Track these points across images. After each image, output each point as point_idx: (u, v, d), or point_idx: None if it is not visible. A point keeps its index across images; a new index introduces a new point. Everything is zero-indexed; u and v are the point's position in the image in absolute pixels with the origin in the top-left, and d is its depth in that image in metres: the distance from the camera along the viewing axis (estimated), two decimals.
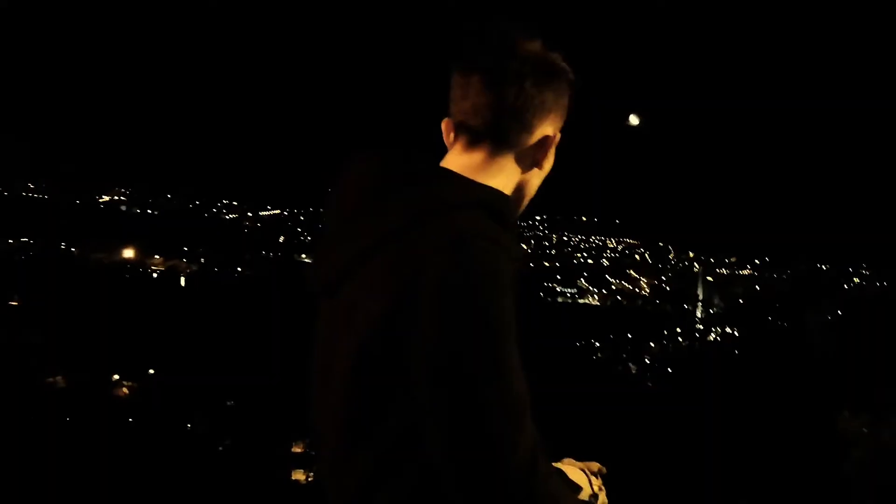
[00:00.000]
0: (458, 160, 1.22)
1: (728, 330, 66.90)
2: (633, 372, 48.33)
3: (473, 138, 1.21)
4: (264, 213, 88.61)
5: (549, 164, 1.27)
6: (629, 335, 57.65)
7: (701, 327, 70.44)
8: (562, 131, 1.28)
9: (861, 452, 13.25)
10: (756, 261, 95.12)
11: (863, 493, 12.22)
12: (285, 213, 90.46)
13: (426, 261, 1.02)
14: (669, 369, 49.29)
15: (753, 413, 27.45)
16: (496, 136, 1.21)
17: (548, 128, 1.23)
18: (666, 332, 62.20)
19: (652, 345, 57.41)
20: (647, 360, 52.48)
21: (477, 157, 1.21)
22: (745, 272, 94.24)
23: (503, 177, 1.21)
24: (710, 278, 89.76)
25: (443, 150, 1.29)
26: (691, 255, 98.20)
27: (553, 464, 1.38)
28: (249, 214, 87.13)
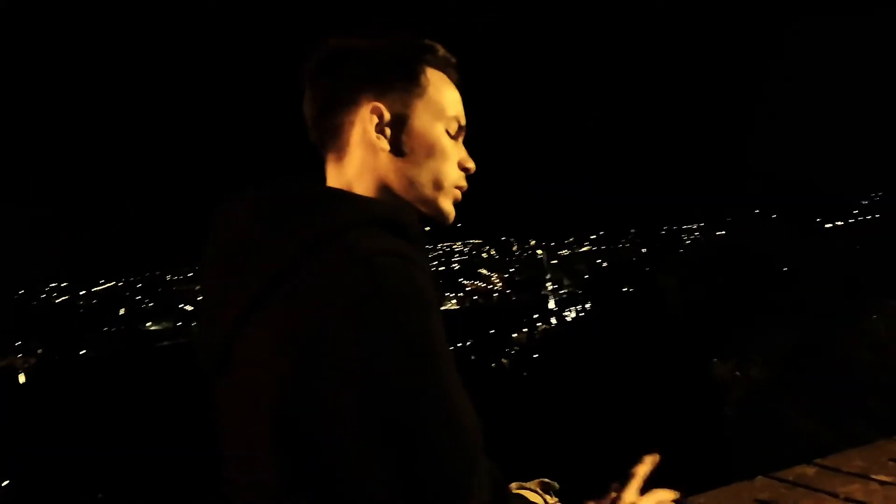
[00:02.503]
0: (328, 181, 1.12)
1: (582, 306, 70.03)
2: (506, 366, 49.46)
3: (323, 154, 1.12)
4: (98, 287, 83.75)
5: (395, 143, 1.07)
6: (493, 331, 58.97)
7: (557, 309, 73.31)
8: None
9: (738, 392, 14.40)
10: (592, 236, 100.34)
11: (745, 428, 13.25)
12: (121, 284, 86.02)
13: (329, 291, 0.85)
14: (537, 355, 50.67)
15: (630, 378, 28.83)
16: (326, 143, 1.10)
17: (364, 106, 1.07)
18: (525, 321, 64.15)
19: (515, 336, 59.02)
20: (514, 351, 53.86)
21: (332, 171, 1.10)
22: (585, 249, 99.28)
23: (369, 174, 1.08)
24: (554, 261, 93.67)
25: None
26: (532, 242, 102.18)
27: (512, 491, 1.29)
28: (83, 293, 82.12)
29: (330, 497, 0.85)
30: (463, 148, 1.14)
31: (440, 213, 1.10)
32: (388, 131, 1.06)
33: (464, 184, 1.13)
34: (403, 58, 1.09)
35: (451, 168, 1.10)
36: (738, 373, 13.36)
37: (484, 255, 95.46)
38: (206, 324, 1.01)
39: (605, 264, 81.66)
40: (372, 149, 1.06)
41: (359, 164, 1.07)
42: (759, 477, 2.03)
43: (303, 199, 0.97)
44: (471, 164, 1.13)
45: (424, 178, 1.08)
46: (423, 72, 1.09)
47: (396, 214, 0.99)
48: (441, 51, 1.12)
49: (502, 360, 51.28)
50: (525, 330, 61.55)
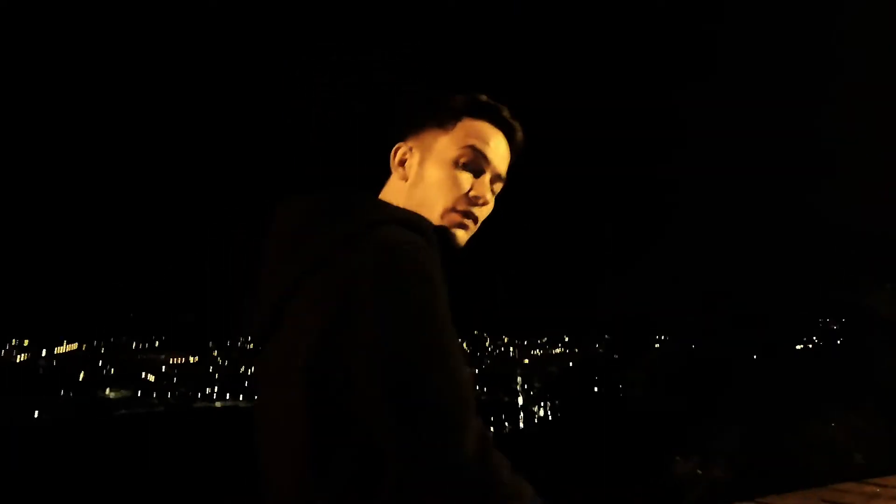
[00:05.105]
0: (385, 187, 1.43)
1: (550, 404, 69.43)
2: None
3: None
4: (60, 349, 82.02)
5: (414, 172, 1.36)
6: None
7: (525, 406, 72.55)
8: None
9: (697, 491, 14.36)
10: (566, 338, 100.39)
11: None
12: (84, 347, 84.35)
13: (359, 268, 1.07)
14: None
15: (592, 477, 28.55)
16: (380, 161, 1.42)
17: (404, 144, 1.39)
18: (493, 419, 63.37)
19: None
20: None
21: (386, 185, 1.41)
22: (557, 351, 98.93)
23: (394, 195, 1.37)
24: (526, 360, 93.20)
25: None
26: (505, 339, 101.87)
27: None
28: (44, 353, 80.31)
29: (352, 442, 1.04)
30: (484, 183, 1.36)
31: (447, 233, 1.33)
32: (408, 165, 1.38)
33: (471, 210, 1.34)
34: (444, 109, 1.38)
35: (454, 196, 1.33)
36: (699, 471, 13.44)
37: None
38: (259, 298, 1.25)
39: (574, 366, 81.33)
40: (397, 176, 1.39)
41: (393, 184, 1.40)
42: None
43: (349, 201, 1.23)
44: (477, 193, 1.34)
45: (431, 202, 1.33)
46: (457, 118, 1.37)
47: (417, 218, 1.23)
48: (484, 99, 1.39)
49: None
50: (491, 428, 60.54)
